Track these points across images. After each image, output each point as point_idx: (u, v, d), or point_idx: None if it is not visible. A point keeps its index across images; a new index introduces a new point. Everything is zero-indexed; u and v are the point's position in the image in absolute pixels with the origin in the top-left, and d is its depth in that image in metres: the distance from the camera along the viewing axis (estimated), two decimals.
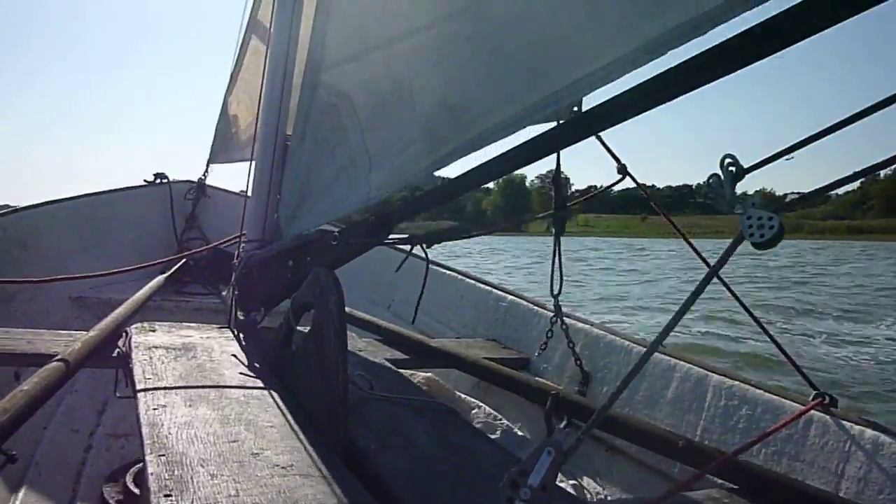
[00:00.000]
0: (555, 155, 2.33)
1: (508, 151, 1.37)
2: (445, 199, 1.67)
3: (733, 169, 0.91)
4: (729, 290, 2.05)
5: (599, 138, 2.33)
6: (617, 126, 1.18)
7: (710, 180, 0.92)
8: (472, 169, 1.47)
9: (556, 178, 2.59)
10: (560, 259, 2.63)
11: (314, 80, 2.12)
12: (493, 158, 1.41)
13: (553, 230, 2.65)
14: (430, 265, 3.70)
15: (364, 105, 1.88)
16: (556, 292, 2.68)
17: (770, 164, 0.97)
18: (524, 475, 0.94)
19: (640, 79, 1.06)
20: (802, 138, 0.94)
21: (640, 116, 1.11)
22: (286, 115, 2.36)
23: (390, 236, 1.82)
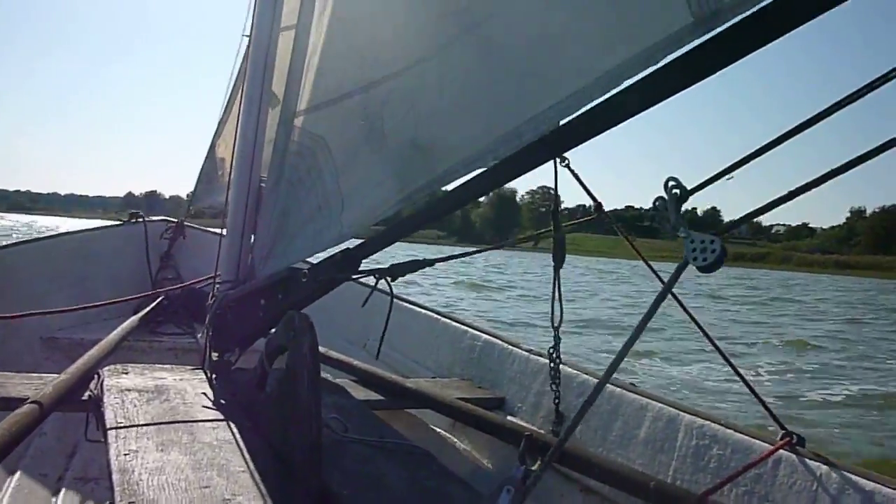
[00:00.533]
0: (547, 170, 2.27)
1: (471, 180, 1.41)
2: (409, 231, 1.70)
3: (677, 191, 0.94)
4: (684, 309, 2.09)
5: (575, 175, 2.35)
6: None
7: (656, 203, 0.94)
8: (438, 199, 1.51)
9: (555, 199, 2.41)
10: (559, 286, 2.43)
11: (290, 124, 2.15)
12: (458, 187, 1.45)
13: (551, 249, 2.37)
14: (406, 303, 3.72)
15: (339, 148, 1.92)
16: (556, 324, 2.47)
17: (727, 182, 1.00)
18: None
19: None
20: (741, 157, 0.97)
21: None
22: (260, 157, 2.39)
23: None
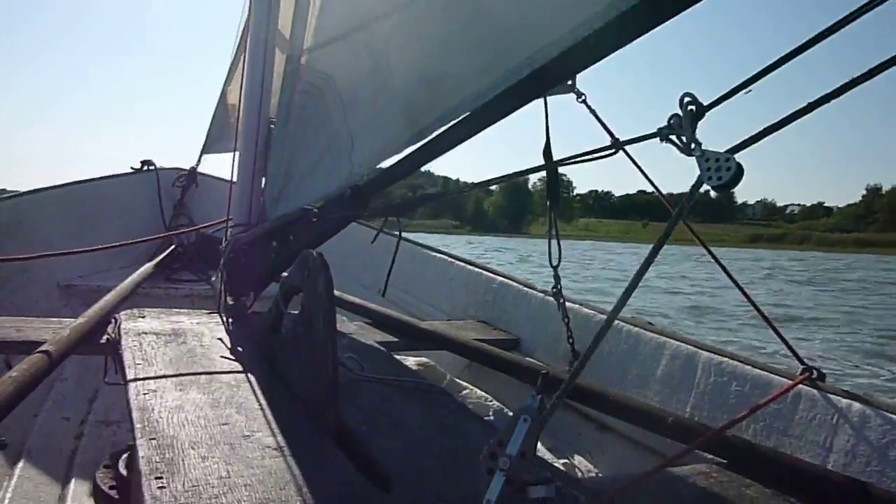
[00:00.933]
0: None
1: (480, 109, 1.37)
2: (418, 166, 1.67)
3: (693, 108, 0.90)
4: (698, 238, 2.07)
5: (591, 109, 2.31)
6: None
7: (671, 120, 0.90)
8: (444, 131, 1.48)
9: (546, 133, 2.36)
10: (556, 225, 2.47)
11: (297, 63, 2.11)
12: (467, 116, 1.41)
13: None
14: (420, 247, 3.71)
15: (346, 85, 1.88)
16: (555, 263, 2.51)
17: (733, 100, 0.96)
18: (503, 445, 0.93)
19: None
20: (759, 70, 0.93)
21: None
22: (269, 99, 2.35)
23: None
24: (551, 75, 1.24)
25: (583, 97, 2.34)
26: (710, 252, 2.12)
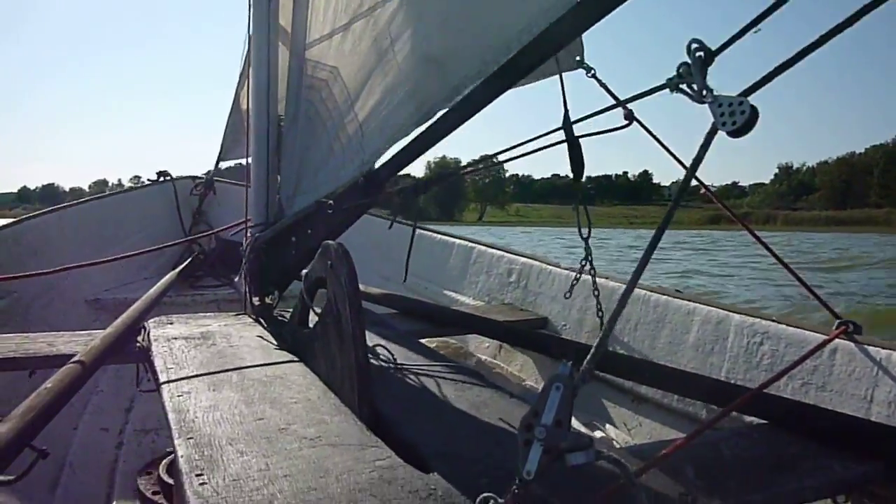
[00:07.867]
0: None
1: (484, 83, 1.36)
2: (427, 146, 1.65)
3: (701, 53, 0.88)
4: (710, 192, 2.04)
5: (601, 83, 2.27)
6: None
7: (680, 69, 0.88)
8: (449, 110, 1.47)
9: (564, 104, 2.21)
10: (585, 197, 2.39)
11: (300, 58, 2.11)
12: (468, 95, 1.40)
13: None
14: (439, 235, 3.70)
15: (351, 75, 1.88)
16: (585, 235, 2.39)
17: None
18: (538, 416, 0.92)
19: None
20: (765, 9, 0.90)
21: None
22: (276, 97, 2.35)
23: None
24: (545, 47, 1.23)
25: (592, 71, 2.30)
26: (728, 209, 2.08)
